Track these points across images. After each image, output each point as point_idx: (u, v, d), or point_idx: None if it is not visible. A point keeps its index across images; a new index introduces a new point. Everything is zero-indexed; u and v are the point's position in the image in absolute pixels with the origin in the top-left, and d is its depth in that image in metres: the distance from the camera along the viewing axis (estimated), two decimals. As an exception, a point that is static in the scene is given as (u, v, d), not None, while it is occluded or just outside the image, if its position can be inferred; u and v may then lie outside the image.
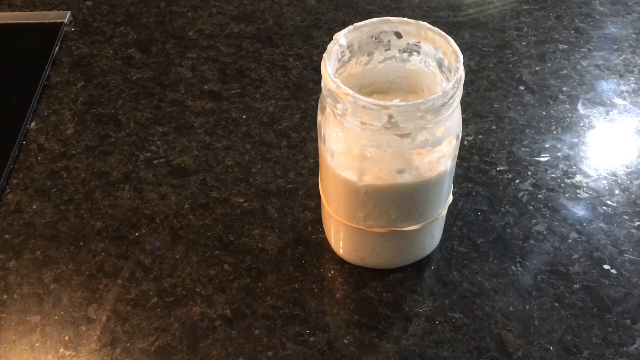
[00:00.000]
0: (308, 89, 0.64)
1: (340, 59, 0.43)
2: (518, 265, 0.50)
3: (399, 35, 0.44)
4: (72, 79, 0.66)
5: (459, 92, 0.40)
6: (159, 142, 0.60)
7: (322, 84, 0.40)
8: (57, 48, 0.69)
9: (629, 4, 0.73)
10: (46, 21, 0.72)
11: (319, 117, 0.43)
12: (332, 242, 0.50)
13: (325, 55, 0.41)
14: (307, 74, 0.66)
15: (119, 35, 0.71)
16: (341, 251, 0.50)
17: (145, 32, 0.71)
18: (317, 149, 0.46)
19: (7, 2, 0.76)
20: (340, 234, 0.48)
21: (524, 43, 0.68)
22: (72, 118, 0.62)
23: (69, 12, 0.73)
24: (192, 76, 0.66)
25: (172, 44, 0.69)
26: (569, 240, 0.51)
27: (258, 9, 0.73)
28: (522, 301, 0.48)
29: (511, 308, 0.47)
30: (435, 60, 0.43)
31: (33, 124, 0.62)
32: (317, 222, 0.53)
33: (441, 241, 0.51)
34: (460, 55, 0.40)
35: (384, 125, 0.38)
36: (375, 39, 0.44)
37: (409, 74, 0.45)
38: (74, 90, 0.65)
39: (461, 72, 0.39)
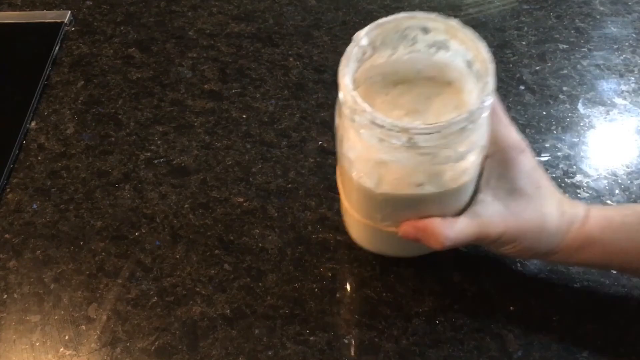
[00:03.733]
0: (308, 89, 0.64)
1: (360, 59, 0.40)
2: (518, 264, 0.50)
3: (426, 30, 0.41)
4: (72, 78, 0.66)
5: (488, 108, 0.37)
6: (159, 142, 0.60)
7: (339, 91, 0.38)
8: (57, 48, 0.69)
9: (629, 3, 0.73)
10: (46, 21, 0.72)
11: (337, 119, 0.41)
12: (349, 230, 0.49)
13: (343, 60, 0.38)
14: (307, 73, 0.66)
15: (119, 35, 0.71)
16: (357, 240, 0.49)
17: (145, 32, 0.71)
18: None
19: (7, 2, 0.76)
20: (357, 226, 0.47)
21: (524, 43, 0.68)
22: (72, 118, 0.62)
23: (69, 11, 0.73)
24: (192, 76, 0.66)
25: (172, 43, 0.69)
26: (569, 240, 0.51)
27: (258, 8, 0.73)
28: (522, 301, 0.48)
29: (511, 308, 0.47)
30: (465, 61, 0.40)
31: (33, 123, 0.62)
32: (317, 221, 0.53)
33: (441, 241, 0.51)
34: (491, 67, 0.37)
35: (404, 144, 0.35)
36: (400, 34, 0.41)
37: (437, 65, 0.42)
38: (74, 90, 0.65)
39: (490, 87, 0.36)
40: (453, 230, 0.40)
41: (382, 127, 0.35)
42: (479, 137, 0.38)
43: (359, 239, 0.49)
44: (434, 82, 0.42)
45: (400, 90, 0.42)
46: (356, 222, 0.46)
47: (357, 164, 0.40)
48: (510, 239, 0.42)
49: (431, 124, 0.35)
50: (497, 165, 0.41)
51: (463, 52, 0.40)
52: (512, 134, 0.42)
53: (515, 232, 0.41)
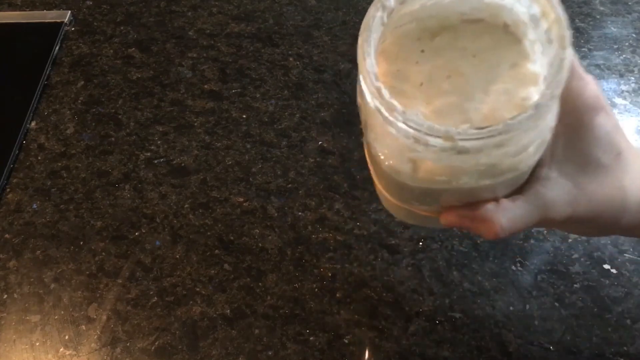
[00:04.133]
0: (308, 89, 0.64)
1: (385, 23, 0.31)
2: (518, 264, 0.50)
3: None
4: (72, 78, 0.66)
5: (559, 93, 0.28)
6: (159, 142, 0.60)
7: (359, 73, 0.30)
8: (57, 48, 0.69)
9: (629, 3, 0.73)
10: (46, 21, 0.72)
11: (358, 99, 0.32)
12: (382, 202, 0.40)
13: (363, 32, 0.30)
14: (307, 73, 0.66)
15: (119, 35, 0.71)
16: (391, 212, 0.41)
17: (145, 32, 0.71)
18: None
19: (8, 2, 0.76)
20: (391, 205, 0.39)
21: (524, 43, 0.68)
22: (72, 117, 0.62)
23: (69, 11, 0.73)
24: (192, 76, 0.66)
25: (172, 43, 0.69)
26: (569, 240, 0.51)
27: (258, 8, 0.73)
28: (522, 301, 0.48)
29: (511, 307, 0.47)
30: (529, 15, 0.31)
31: (33, 123, 0.62)
32: (317, 221, 0.53)
33: (441, 240, 0.51)
34: (568, 35, 0.29)
35: (444, 149, 0.28)
36: None
37: (488, 6, 0.33)
38: (74, 90, 0.65)
39: (566, 64, 0.28)
40: (509, 218, 0.32)
41: (417, 130, 0.28)
42: (547, 123, 0.30)
43: (395, 214, 0.40)
44: (483, 27, 0.33)
45: (439, 43, 0.33)
46: (389, 202, 0.38)
47: (385, 152, 0.32)
48: (581, 221, 0.34)
49: (484, 128, 0.27)
50: (566, 131, 0.32)
51: (527, 3, 0.31)
52: (587, 89, 0.32)
53: (588, 214, 0.33)
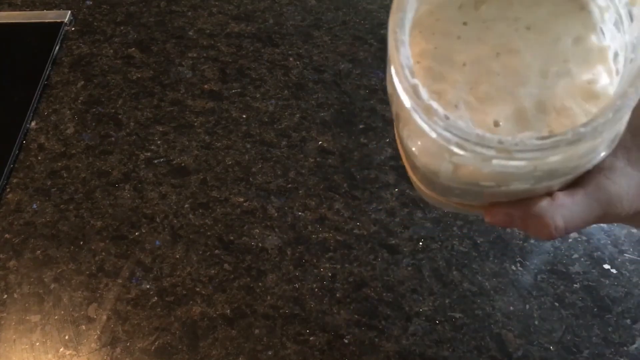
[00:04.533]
0: (308, 89, 0.64)
1: None
2: (518, 264, 0.50)
3: None
4: (72, 78, 0.66)
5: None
6: (159, 142, 0.60)
7: (388, 62, 0.25)
8: (57, 47, 0.69)
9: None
10: (46, 21, 0.72)
11: (389, 87, 0.27)
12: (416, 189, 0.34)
13: (392, 22, 0.24)
14: (307, 73, 0.66)
15: (119, 35, 0.71)
16: (426, 200, 0.35)
17: (145, 32, 0.71)
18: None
19: (8, 2, 0.76)
20: (426, 195, 0.33)
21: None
22: (72, 117, 0.62)
23: (69, 11, 0.73)
24: (192, 76, 0.66)
25: (172, 43, 0.69)
26: (569, 240, 0.51)
27: (258, 8, 0.73)
28: (522, 301, 0.48)
29: (511, 308, 0.47)
30: None
31: (33, 123, 0.62)
32: (317, 221, 0.53)
33: (441, 240, 0.51)
34: None
35: (493, 157, 0.23)
36: None
37: None
38: (74, 90, 0.65)
39: None
40: (565, 216, 0.27)
41: (464, 140, 0.23)
42: (625, 119, 0.25)
43: (431, 202, 0.34)
44: None
45: (486, 13, 0.27)
46: (424, 193, 0.32)
47: (421, 150, 0.27)
48: None
49: (548, 138, 0.22)
50: (634, 113, 0.27)
51: None
52: None
53: None
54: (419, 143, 0.26)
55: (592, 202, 0.28)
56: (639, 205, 0.28)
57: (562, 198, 0.27)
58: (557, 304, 0.47)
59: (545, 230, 0.27)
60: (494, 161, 0.23)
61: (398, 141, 0.30)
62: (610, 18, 0.25)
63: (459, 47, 0.27)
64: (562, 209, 0.27)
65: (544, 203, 0.27)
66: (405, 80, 0.24)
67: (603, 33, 0.26)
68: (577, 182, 0.28)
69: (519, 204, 0.28)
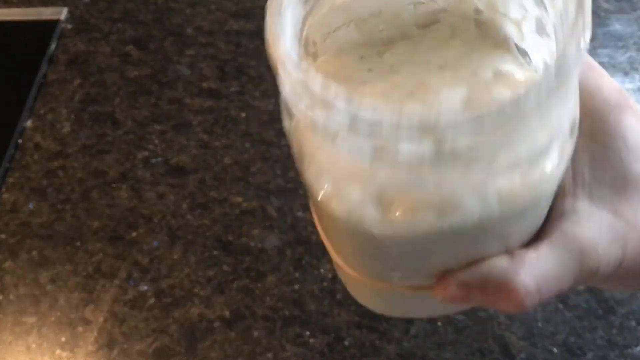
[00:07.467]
0: (308, 87, 0.64)
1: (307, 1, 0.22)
2: (521, 265, 0.49)
3: None
4: (68, 76, 0.66)
5: (578, 67, 0.19)
6: (156, 141, 0.60)
7: (277, 72, 0.21)
8: (53, 45, 0.69)
9: (634, 0, 0.73)
10: (43, 18, 0.72)
11: (286, 122, 0.23)
12: (348, 289, 0.29)
13: (269, 16, 0.21)
14: (307, 71, 0.65)
15: (116, 32, 0.70)
16: (363, 302, 0.29)
17: (143, 29, 0.70)
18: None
19: (4, -1, 0.75)
20: (358, 286, 0.28)
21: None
22: (68, 116, 0.62)
23: (66, 8, 0.72)
24: (191, 74, 0.65)
25: (170, 41, 0.69)
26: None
27: (257, 5, 0.73)
28: (525, 302, 0.47)
29: (514, 309, 0.47)
30: None
31: (29, 122, 0.62)
32: (317, 221, 0.52)
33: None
34: None
35: (428, 158, 0.18)
36: None
37: None
38: (71, 88, 0.65)
39: (585, 23, 0.19)
40: (534, 275, 0.22)
41: (376, 126, 0.18)
42: (565, 113, 0.21)
43: (365, 300, 0.29)
44: (447, 25, 0.24)
45: (391, 60, 0.24)
46: (355, 281, 0.27)
47: (336, 191, 0.21)
48: (638, 267, 0.24)
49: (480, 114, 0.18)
50: (588, 142, 0.23)
51: None
52: (605, 82, 0.24)
53: None
54: (332, 176, 0.21)
55: (561, 254, 0.23)
56: (620, 254, 0.23)
57: (523, 254, 0.22)
58: (560, 306, 0.47)
59: (514, 297, 0.22)
60: (424, 168, 0.19)
61: (314, 213, 0.25)
62: (529, 27, 0.23)
63: (367, 91, 0.23)
64: (528, 266, 0.22)
65: (503, 262, 0.22)
66: (295, 71, 0.20)
67: (527, 53, 0.23)
68: (537, 236, 0.23)
69: (475, 268, 0.22)
